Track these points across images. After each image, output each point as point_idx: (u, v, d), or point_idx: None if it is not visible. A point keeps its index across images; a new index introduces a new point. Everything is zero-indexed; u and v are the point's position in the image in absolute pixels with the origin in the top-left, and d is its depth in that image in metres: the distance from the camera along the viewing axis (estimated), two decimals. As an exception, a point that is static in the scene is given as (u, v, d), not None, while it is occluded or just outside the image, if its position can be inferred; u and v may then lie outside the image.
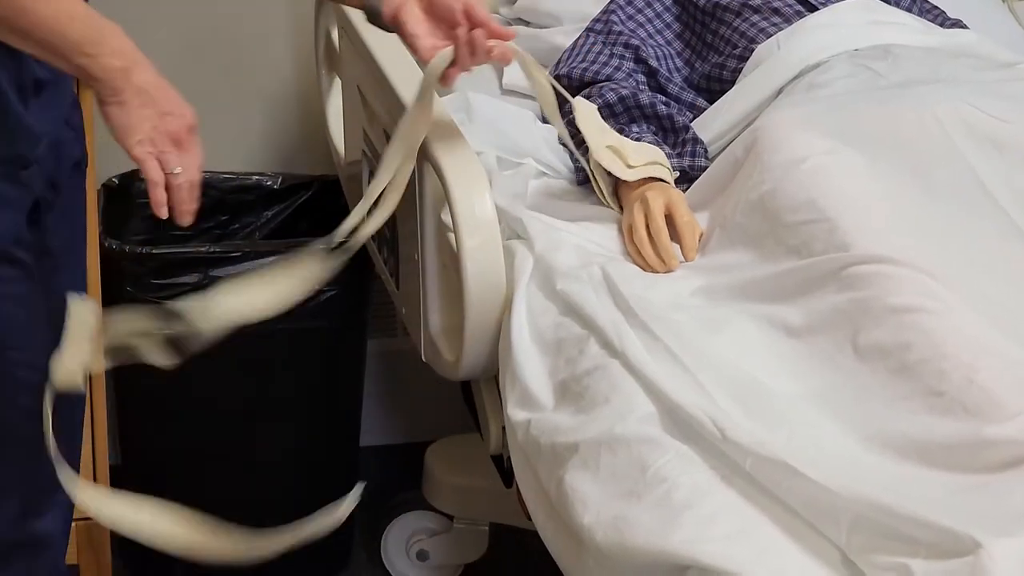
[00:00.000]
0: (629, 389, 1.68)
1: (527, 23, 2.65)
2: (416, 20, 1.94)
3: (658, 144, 2.10)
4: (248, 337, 2.64)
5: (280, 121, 3.01)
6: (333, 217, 2.76)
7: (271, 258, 2.64)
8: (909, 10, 2.35)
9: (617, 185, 2.04)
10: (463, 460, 2.70)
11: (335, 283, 2.67)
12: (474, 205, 1.92)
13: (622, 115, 2.16)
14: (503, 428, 1.94)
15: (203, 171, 2.85)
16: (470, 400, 2.20)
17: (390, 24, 1.96)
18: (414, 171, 2.02)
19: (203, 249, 2.63)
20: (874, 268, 1.70)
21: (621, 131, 2.13)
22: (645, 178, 2.00)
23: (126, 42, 1.68)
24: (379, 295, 2.69)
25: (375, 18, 1.98)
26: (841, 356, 1.67)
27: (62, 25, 1.63)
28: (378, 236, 2.38)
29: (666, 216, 1.96)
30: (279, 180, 2.94)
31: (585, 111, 1.99)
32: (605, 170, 2.01)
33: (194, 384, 2.67)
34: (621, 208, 2.03)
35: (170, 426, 2.69)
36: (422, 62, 1.94)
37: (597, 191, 2.04)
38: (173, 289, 2.59)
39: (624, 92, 2.16)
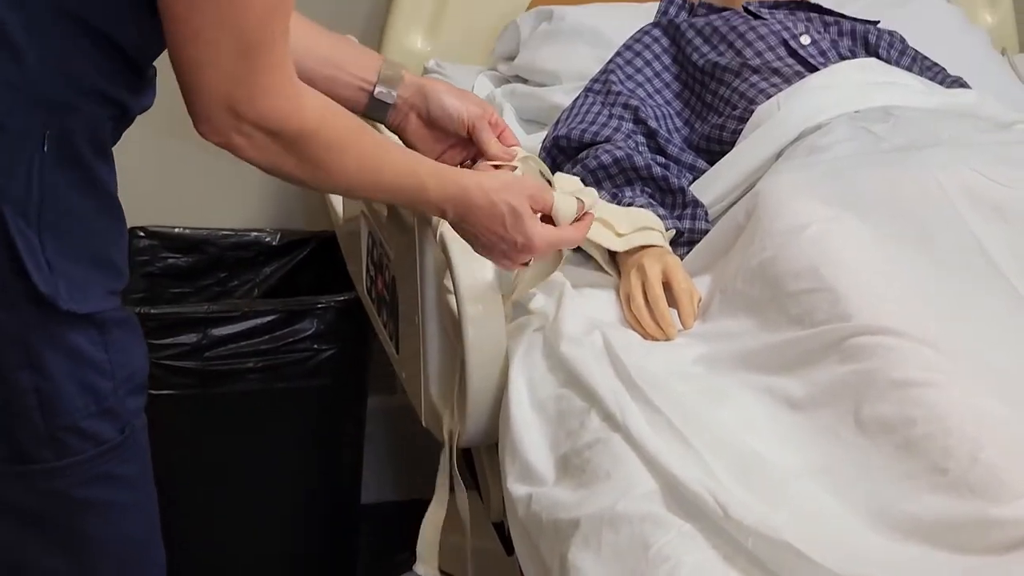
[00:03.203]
0: (631, 464, 1.67)
1: (525, 80, 2.65)
2: (421, 139, 1.95)
3: (651, 207, 2.09)
4: (248, 396, 2.66)
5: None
6: (332, 273, 2.77)
7: (270, 317, 2.64)
8: (909, 69, 2.35)
9: (613, 252, 2.03)
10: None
11: (334, 342, 2.67)
12: (475, 271, 1.90)
13: (617, 176, 2.15)
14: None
15: (201, 228, 2.88)
16: (470, 462, 2.18)
17: (392, 130, 1.98)
18: (414, 234, 2.02)
19: (202, 309, 2.62)
20: (876, 339, 1.69)
21: (615, 195, 2.12)
22: (640, 245, 1.99)
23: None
24: (379, 352, 2.68)
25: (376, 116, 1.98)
26: (844, 430, 1.65)
27: None
28: (377, 298, 2.37)
29: (664, 283, 1.95)
30: (277, 236, 2.94)
31: (564, 186, 1.98)
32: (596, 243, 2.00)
33: (194, 442, 2.67)
34: (620, 274, 2.02)
35: (170, 484, 2.66)
36: None
37: (594, 260, 2.03)
38: (172, 349, 2.59)
39: (619, 154, 2.15)
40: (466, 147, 1.96)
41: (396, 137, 1.98)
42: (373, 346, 2.72)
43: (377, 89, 1.93)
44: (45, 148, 1.52)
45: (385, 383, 3.03)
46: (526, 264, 1.87)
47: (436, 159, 1.92)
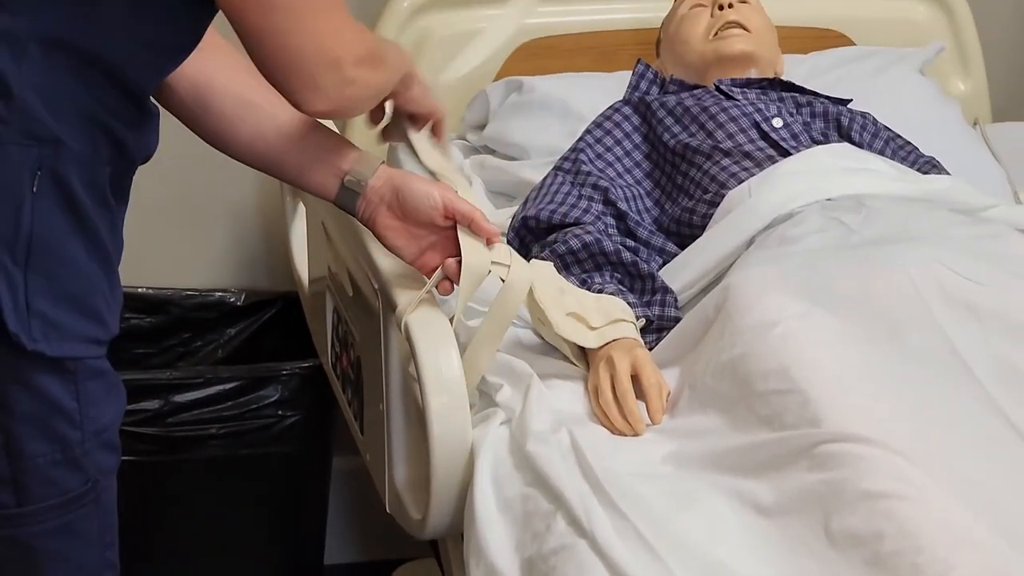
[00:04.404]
0: (596, 574, 1.64)
1: (493, 151, 2.63)
2: (394, 233, 1.91)
3: (622, 293, 2.07)
4: (211, 463, 2.63)
5: (242, 237, 2.98)
6: (297, 335, 2.74)
7: (234, 383, 2.61)
8: (882, 152, 2.33)
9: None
10: (428, 587, 2.67)
11: (298, 409, 2.65)
12: (440, 364, 1.87)
13: (586, 261, 2.13)
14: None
15: (164, 288, 2.85)
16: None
17: (364, 225, 1.94)
18: (379, 320, 1.99)
19: (164, 376, 2.59)
20: (846, 447, 1.66)
21: (584, 281, 2.09)
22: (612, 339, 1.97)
23: None
24: (344, 413, 2.66)
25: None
26: (814, 541, 1.62)
27: None
28: (342, 375, 2.34)
29: (632, 375, 1.92)
30: (242, 297, 2.91)
31: (542, 276, 1.95)
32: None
33: (157, 509, 2.64)
34: (587, 365, 1.99)
35: (132, 551, 2.64)
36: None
37: (562, 354, 2.01)
38: (134, 415, 2.56)
39: (588, 239, 2.13)
40: (445, 247, 1.90)
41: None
42: (337, 412, 2.70)
43: (348, 177, 1.89)
44: (36, 188, 1.53)
45: (350, 443, 3.00)
46: None
47: (414, 261, 1.91)
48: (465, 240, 1.88)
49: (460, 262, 1.88)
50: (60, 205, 1.55)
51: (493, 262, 1.90)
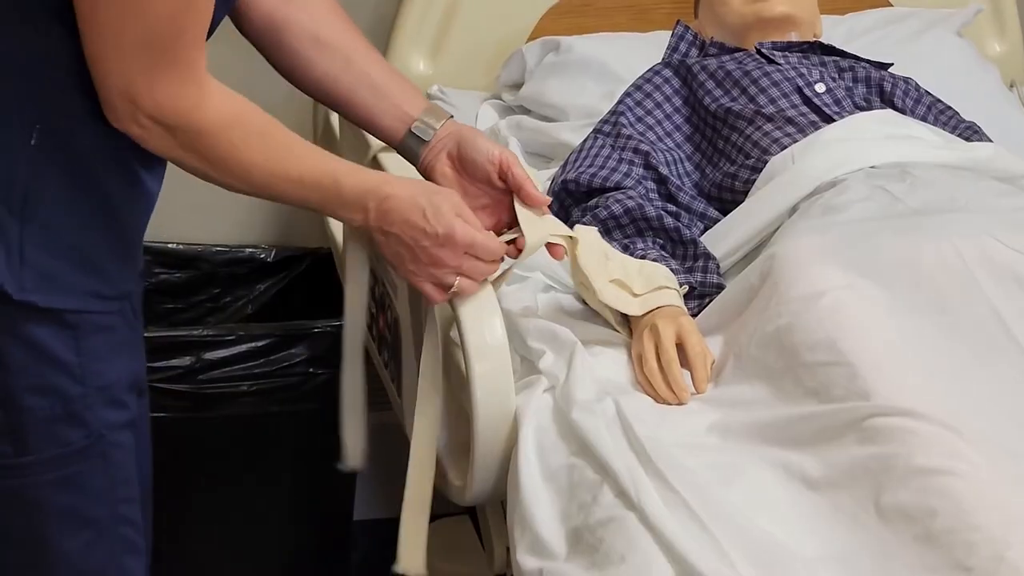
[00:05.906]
0: (646, 548, 1.63)
1: (528, 111, 2.61)
2: (448, 183, 1.90)
3: (664, 260, 2.06)
4: (241, 419, 2.63)
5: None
6: (328, 291, 2.73)
7: (265, 341, 2.60)
8: (925, 118, 2.31)
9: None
10: (457, 545, 2.66)
11: (329, 366, 2.64)
12: (484, 330, 1.87)
13: (628, 226, 2.12)
14: (507, 548, 1.89)
15: (194, 244, 2.84)
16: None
17: (421, 174, 1.94)
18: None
19: (195, 333, 2.58)
20: (897, 422, 1.65)
21: (626, 247, 2.08)
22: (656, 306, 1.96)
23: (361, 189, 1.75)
24: (374, 367, 2.65)
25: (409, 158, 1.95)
26: (864, 516, 1.62)
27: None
28: (378, 336, 2.34)
29: (676, 344, 1.91)
30: (272, 253, 2.91)
31: (587, 243, 1.93)
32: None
33: (187, 466, 2.64)
34: (631, 332, 1.99)
35: (164, 507, 2.64)
36: None
37: (605, 321, 2.00)
38: (164, 372, 2.55)
39: (630, 204, 2.12)
40: (496, 211, 1.90)
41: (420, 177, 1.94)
42: (368, 367, 2.69)
43: (416, 124, 1.91)
44: (34, 142, 1.52)
45: (378, 399, 2.99)
46: (452, 290, 1.82)
47: None
48: (523, 214, 1.87)
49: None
50: (63, 163, 1.55)
51: (551, 233, 1.89)
